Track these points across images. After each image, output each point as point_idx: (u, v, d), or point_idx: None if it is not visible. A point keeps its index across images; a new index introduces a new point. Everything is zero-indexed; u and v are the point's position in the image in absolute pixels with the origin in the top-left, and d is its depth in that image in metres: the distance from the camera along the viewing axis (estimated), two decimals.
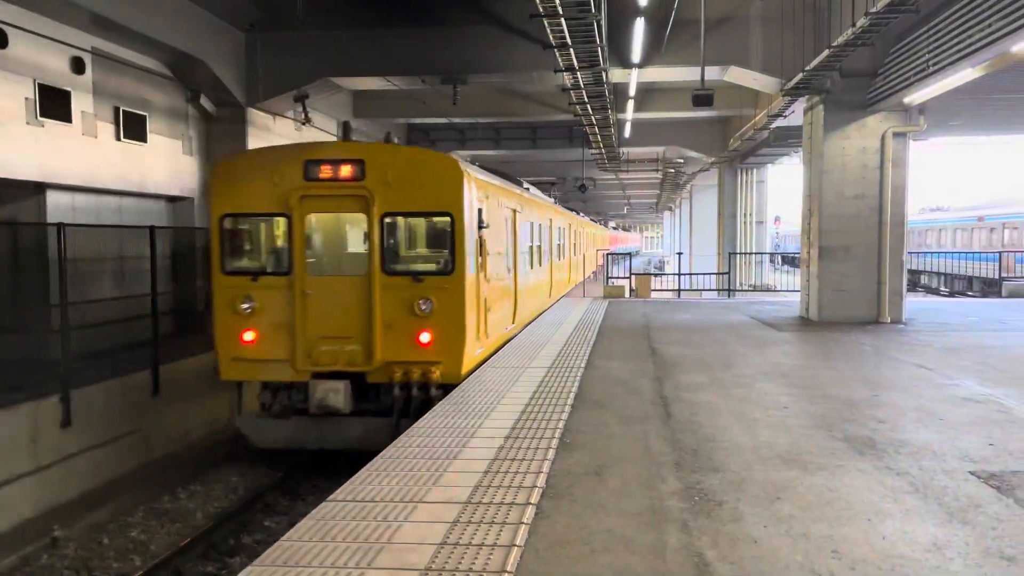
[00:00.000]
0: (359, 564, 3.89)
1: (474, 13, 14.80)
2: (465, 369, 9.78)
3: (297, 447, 10.12)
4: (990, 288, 27.56)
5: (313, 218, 10.02)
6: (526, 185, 18.54)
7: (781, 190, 55.44)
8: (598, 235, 43.92)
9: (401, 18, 15.02)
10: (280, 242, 10.01)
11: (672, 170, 34.73)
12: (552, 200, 23.88)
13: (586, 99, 15.58)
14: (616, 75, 15.50)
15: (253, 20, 14.87)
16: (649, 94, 20.72)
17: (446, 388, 8.91)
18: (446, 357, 9.65)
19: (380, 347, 9.56)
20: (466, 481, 5.18)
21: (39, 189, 11.60)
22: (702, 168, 30.34)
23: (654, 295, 22.24)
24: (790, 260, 47.60)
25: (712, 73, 14.98)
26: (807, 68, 12.57)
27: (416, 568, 3.84)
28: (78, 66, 11.84)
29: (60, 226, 10.23)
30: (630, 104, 19.45)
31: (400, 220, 10.06)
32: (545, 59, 13.24)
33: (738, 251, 26.47)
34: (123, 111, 12.73)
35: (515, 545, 4.10)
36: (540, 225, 17.23)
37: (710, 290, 23.98)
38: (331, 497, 4.92)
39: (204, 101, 14.72)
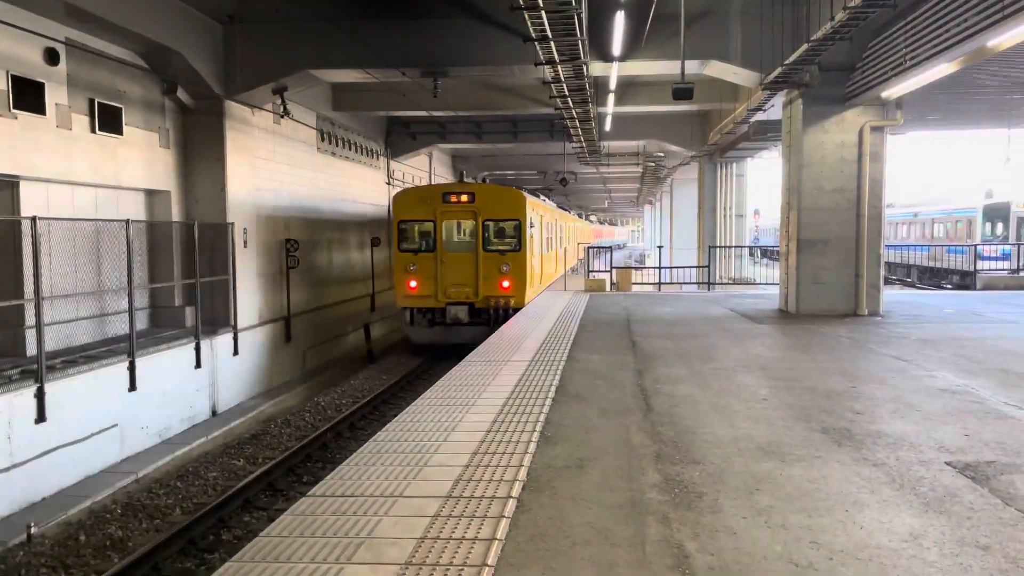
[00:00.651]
0: (339, 559, 3.87)
1: (454, 6, 14.71)
2: (526, 302, 18.06)
3: (437, 343, 18.50)
4: (923, 275, 32.55)
5: (446, 221, 18.41)
6: (542, 197, 26.46)
7: (760, 184, 55.78)
8: (585, 229, 54.03)
9: (381, 10, 14.91)
10: (428, 233, 18.35)
11: (653, 164, 34.82)
12: (555, 205, 30.05)
13: (567, 93, 15.56)
14: (597, 69, 15.49)
15: (231, 11, 14.70)
16: (630, 88, 20.72)
17: (516, 310, 16.92)
18: (515, 294, 18.24)
19: (482, 288, 18.24)
20: (447, 475, 5.16)
21: (11, 183, 11.42)
22: (682, 162, 30.42)
23: (635, 288, 22.30)
24: (769, 253, 48.06)
25: (692, 67, 14.99)
26: (786, 62, 12.63)
27: (396, 563, 3.83)
28: (52, 57, 11.64)
29: (34, 219, 10.09)
30: (611, 98, 19.44)
31: (491, 223, 18.47)
32: (526, 52, 13.20)
33: (718, 244, 26.60)
34: (98, 103, 12.53)
35: (496, 539, 4.09)
36: (550, 224, 25.30)
37: (690, 283, 24.08)
38: (311, 492, 4.89)
39: (181, 93, 14.52)
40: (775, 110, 17.09)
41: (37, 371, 10.00)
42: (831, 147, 14.14)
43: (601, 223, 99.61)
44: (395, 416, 6.90)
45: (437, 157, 32.75)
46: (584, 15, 11.19)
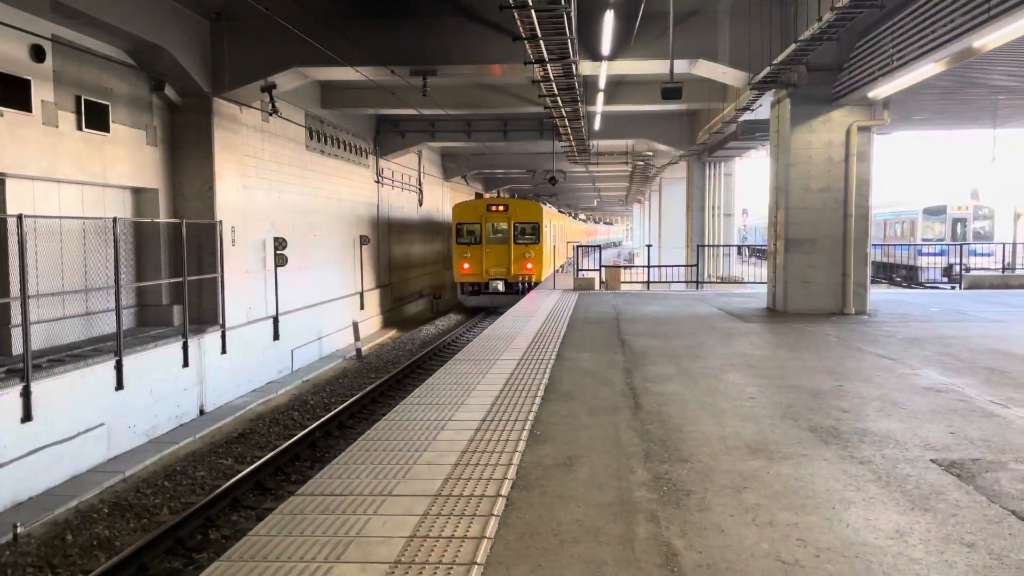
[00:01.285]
0: (328, 558, 3.87)
1: (444, 4, 14.69)
2: (542, 278, 26.30)
3: (483, 306, 26.72)
4: (877, 271, 33.29)
5: (488, 223, 26.61)
6: (550, 206, 36.63)
7: (749, 183, 55.90)
8: (584, 229, 65.60)
9: (370, 8, 14.87)
10: (476, 232, 26.61)
11: (641, 163, 34.90)
12: (557, 210, 40.11)
13: (556, 92, 15.57)
14: (586, 68, 15.50)
15: (219, 8, 14.62)
16: (619, 87, 20.76)
17: (535, 284, 25.28)
18: (535, 273, 26.33)
19: (513, 269, 26.29)
20: (436, 474, 5.17)
21: None
22: (671, 161, 30.49)
23: (624, 287, 22.35)
24: (757, 252, 48.30)
25: (681, 66, 15.04)
26: (774, 62, 12.69)
27: (385, 561, 3.83)
28: (38, 54, 11.56)
29: (19, 217, 10.02)
30: (600, 97, 19.48)
31: (519, 224, 26.59)
32: (515, 51, 13.19)
33: (706, 243, 26.70)
34: (85, 100, 12.44)
35: (485, 537, 4.10)
36: (557, 225, 35.23)
37: (679, 282, 24.17)
38: (299, 491, 4.88)
39: (169, 91, 14.44)
40: (763, 110, 17.16)
41: (23, 370, 9.94)
42: (818, 147, 14.22)
43: (597, 222, 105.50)
44: (384, 415, 6.89)
45: (426, 156, 32.70)
46: (573, 14, 11.20)
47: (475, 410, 6.97)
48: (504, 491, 4.82)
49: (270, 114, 16.67)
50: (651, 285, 22.55)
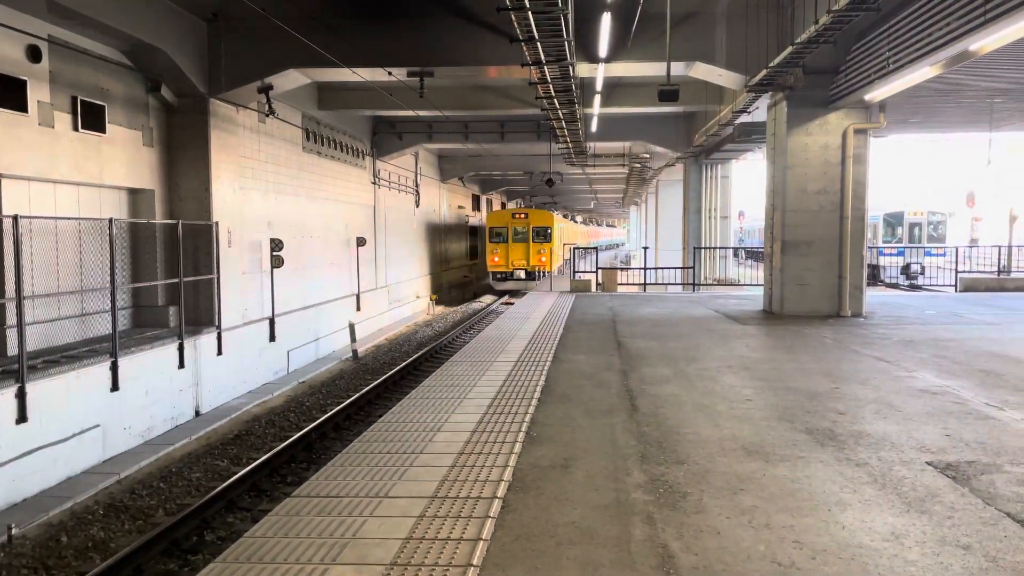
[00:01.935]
0: (323, 560, 3.86)
1: (441, 6, 14.69)
2: (553, 268, 36.39)
3: (507, 289, 35.68)
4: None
5: (512, 227, 35.85)
6: (559, 213, 48.24)
7: (745, 186, 56.13)
8: (584, 231, 74.94)
9: (368, 9, 14.86)
10: (504, 233, 35.84)
11: (638, 165, 34.96)
12: (563, 215, 50.67)
13: (553, 94, 15.58)
14: (583, 70, 15.51)
15: (215, 9, 14.60)
16: (616, 89, 20.77)
17: (547, 273, 35.35)
18: (548, 265, 35.62)
19: (531, 261, 35.54)
20: (432, 475, 5.16)
21: None
22: (668, 163, 30.53)
23: (620, 289, 22.37)
24: (754, 255, 48.44)
25: (677, 69, 15.07)
26: (771, 65, 12.71)
27: (381, 563, 3.83)
28: (34, 54, 11.53)
29: (15, 218, 10.00)
30: (597, 99, 19.48)
31: (536, 228, 35.81)
32: (512, 53, 13.20)
33: (703, 246, 26.72)
34: (81, 101, 12.42)
35: (481, 539, 4.10)
36: (564, 228, 43.70)
37: (675, 284, 24.19)
38: (295, 493, 4.88)
39: (165, 91, 14.41)
40: (760, 112, 17.19)
41: (18, 371, 9.91)
42: (815, 149, 14.25)
43: (599, 225, 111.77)
44: (381, 416, 6.89)
45: (423, 157, 32.70)
46: (570, 16, 11.21)
47: (471, 412, 6.96)
48: (500, 493, 4.82)
49: (267, 115, 16.66)
50: (647, 287, 22.56)
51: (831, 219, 14.31)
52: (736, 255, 38.92)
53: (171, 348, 13.58)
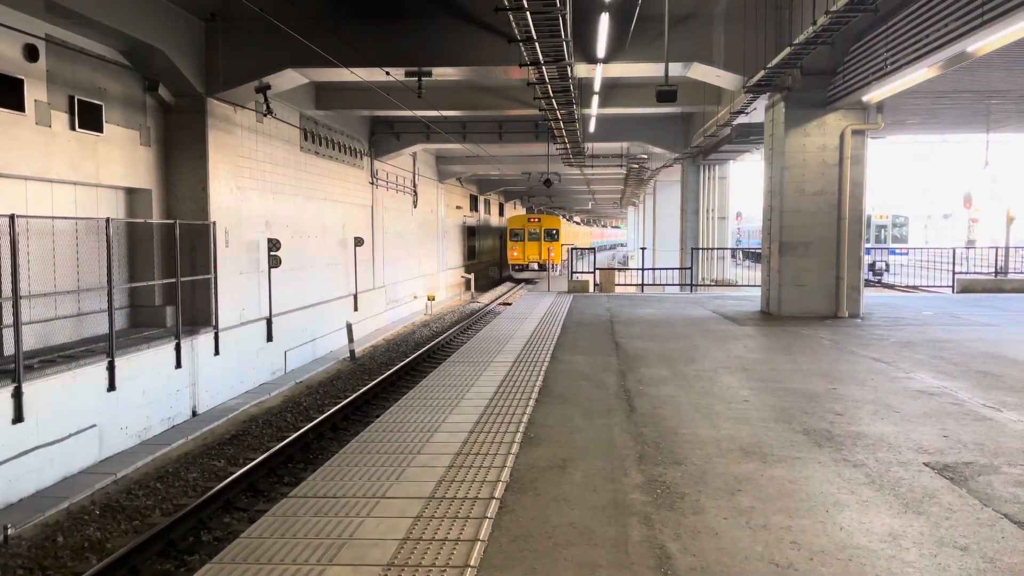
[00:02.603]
0: (320, 560, 3.85)
1: (439, 6, 14.68)
2: (560, 262, 47.05)
3: (523, 278, 48.82)
4: None
5: (527, 228, 47.72)
6: (566, 216, 66.19)
7: (743, 187, 56.74)
8: (587, 231, 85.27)
9: (366, 9, 14.85)
10: (520, 234, 47.65)
11: (636, 166, 34.89)
12: (567, 219, 59.18)
13: (551, 94, 15.56)
14: (581, 70, 15.51)
15: (213, 9, 14.59)
16: (614, 90, 20.77)
17: (555, 265, 46.42)
18: (556, 259, 46.63)
19: (542, 256, 46.75)
20: (430, 476, 5.15)
21: None
22: (665, 164, 30.53)
23: (618, 289, 22.37)
24: (752, 255, 48.51)
25: (676, 70, 15.07)
26: (768, 66, 12.71)
27: (378, 564, 3.82)
28: (31, 54, 11.51)
29: (11, 217, 9.98)
30: (595, 100, 19.47)
31: (546, 229, 47.41)
32: (511, 53, 13.20)
33: (701, 246, 26.73)
34: (78, 100, 12.39)
35: (479, 540, 4.09)
36: (567, 231, 53.75)
37: (673, 285, 24.19)
38: (292, 493, 4.86)
39: (163, 91, 14.39)
40: (758, 113, 17.20)
41: (14, 371, 9.88)
42: (813, 150, 14.26)
43: (603, 226, 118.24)
44: (378, 416, 6.88)
45: (421, 157, 32.68)
46: (569, 16, 11.20)
47: (469, 412, 6.95)
48: (498, 493, 4.81)
49: (264, 115, 16.63)
50: (645, 288, 22.56)
51: (829, 220, 14.32)
52: (734, 256, 39.01)
53: (168, 348, 13.56)
